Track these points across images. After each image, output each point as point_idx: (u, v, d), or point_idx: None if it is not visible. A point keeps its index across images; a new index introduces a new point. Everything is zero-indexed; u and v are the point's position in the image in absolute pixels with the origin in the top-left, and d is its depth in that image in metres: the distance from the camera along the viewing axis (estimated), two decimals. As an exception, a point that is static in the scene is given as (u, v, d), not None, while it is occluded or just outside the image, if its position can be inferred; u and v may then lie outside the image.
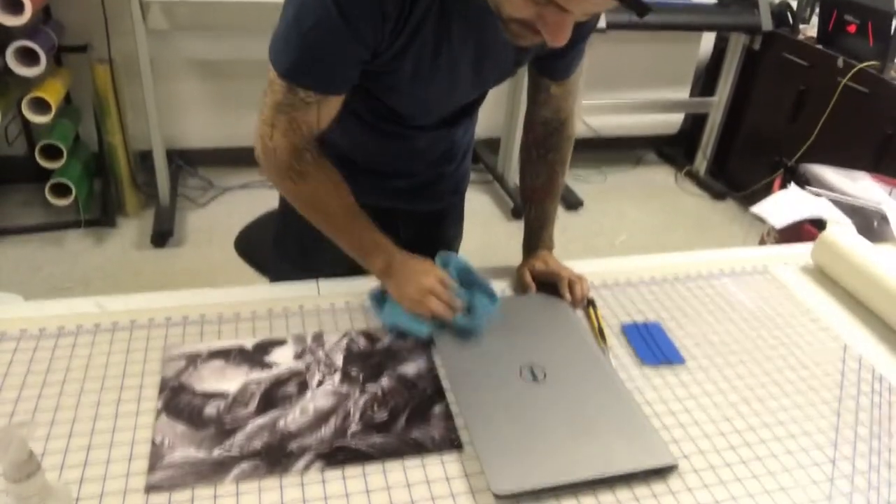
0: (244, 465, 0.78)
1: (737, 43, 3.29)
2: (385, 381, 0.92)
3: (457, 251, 1.44)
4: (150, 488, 0.74)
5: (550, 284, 1.12)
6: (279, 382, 0.90)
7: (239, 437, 0.81)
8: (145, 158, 2.88)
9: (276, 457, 0.79)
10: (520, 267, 1.17)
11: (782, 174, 2.44)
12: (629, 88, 3.50)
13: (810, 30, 3.09)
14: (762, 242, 2.17)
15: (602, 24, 2.66)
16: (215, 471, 0.77)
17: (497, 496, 0.76)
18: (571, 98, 1.12)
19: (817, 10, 3.06)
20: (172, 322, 0.99)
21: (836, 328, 1.11)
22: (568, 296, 1.09)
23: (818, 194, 1.96)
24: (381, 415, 0.86)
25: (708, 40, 3.60)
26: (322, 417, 0.85)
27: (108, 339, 0.95)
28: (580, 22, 0.78)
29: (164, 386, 0.88)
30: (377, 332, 1.01)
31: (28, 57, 2.29)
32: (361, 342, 0.98)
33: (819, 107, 2.83)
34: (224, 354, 0.94)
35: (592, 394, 0.91)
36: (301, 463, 0.78)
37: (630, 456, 0.82)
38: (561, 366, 0.95)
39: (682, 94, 3.66)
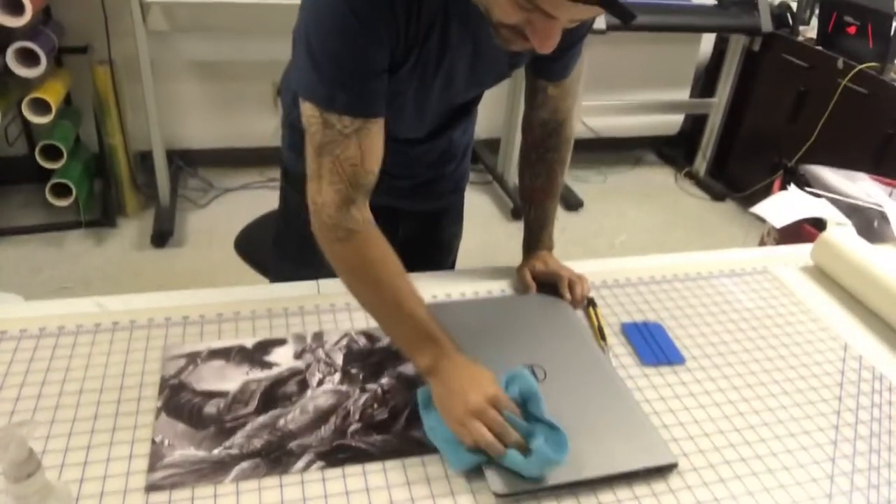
0: (244, 465, 0.78)
1: (737, 44, 3.29)
2: (385, 381, 0.92)
3: (457, 250, 1.44)
4: (150, 487, 0.74)
5: (550, 285, 1.12)
6: (279, 382, 0.90)
7: (239, 437, 0.81)
8: (145, 159, 2.88)
9: (276, 456, 0.79)
10: (520, 267, 1.17)
11: (782, 175, 2.43)
12: (629, 89, 3.50)
13: (810, 31, 3.09)
14: (762, 243, 2.17)
15: (602, 25, 2.66)
16: (215, 470, 0.77)
17: (497, 495, 0.76)
18: (569, 99, 1.11)
19: (817, 11, 3.06)
20: (172, 322, 0.99)
21: (836, 328, 1.11)
22: (568, 296, 1.09)
23: (818, 195, 1.96)
24: (382, 414, 0.86)
25: (708, 41, 3.61)
26: (322, 417, 0.85)
27: (108, 338, 0.95)
28: (571, 27, 0.78)
29: (164, 385, 0.88)
30: (377, 331, 1.01)
31: (28, 58, 2.29)
32: (361, 341, 0.98)
33: (819, 108, 2.83)
34: (224, 354, 0.94)
35: (592, 393, 0.91)
36: (301, 462, 0.78)
37: (630, 455, 0.82)
38: (561, 365, 0.95)
39: (682, 95, 3.67)
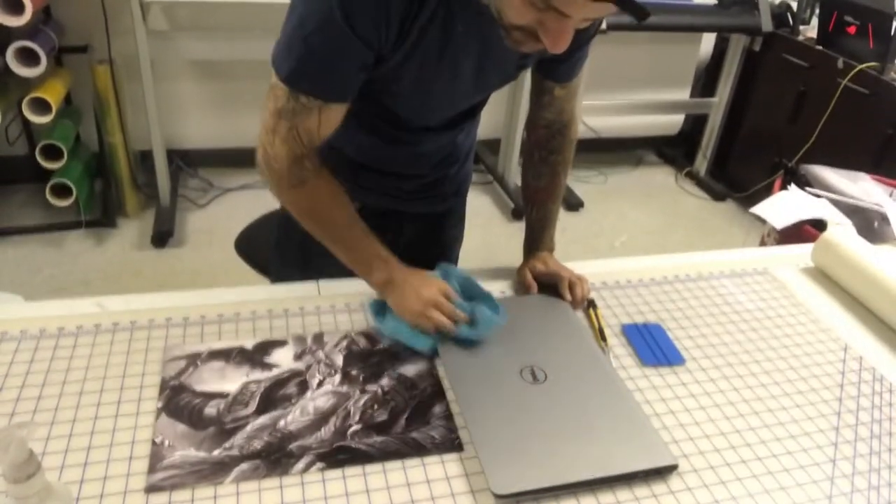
0: (244, 466, 0.78)
1: (737, 44, 3.29)
2: (385, 382, 0.92)
3: (458, 252, 1.44)
4: (151, 489, 0.74)
5: (551, 285, 1.12)
6: (279, 383, 0.90)
7: (239, 438, 0.81)
8: (145, 159, 2.89)
9: (276, 457, 0.79)
10: (520, 268, 1.17)
11: (782, 175, 2.43)
12: (630, 89, 3.50)
13: (810, 31, 3.09)
14: (762, 243, 2.17)
15: (603, 25, 2.66)
16: (215, 471, 0.77)
17: (497, 496, 0.76)
18: (574, 100, 1.12)
19: (817, 11, 3.06)
20: (173, 323, 0.99)
21: (837, 329, 1.11)
22: (568, 296, 1.09)
23: (818, 195, 1.96)
24: (382, 415, 0.86)
25: (708, 41, 3.61)
26: (322, 418, 0.85)
27: (108, 339, 0.95)
28: (582, 27, 0.78)
29: (164, 386, 0.88)
30: (378, 333, 1.00)
31: (28, 57, 2.29)
32: (362, 343, 0.98)
33: (819, 108, 2.83)
34: (224, 355, 0.94)
35: (593, 394, 0.91)
36: (301, 463, 0.78)
37: (630, 456, 0.82)
38: (561, 366, 0.95)
39: (683, 95, 3.66)
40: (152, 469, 0.76)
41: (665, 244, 3.06)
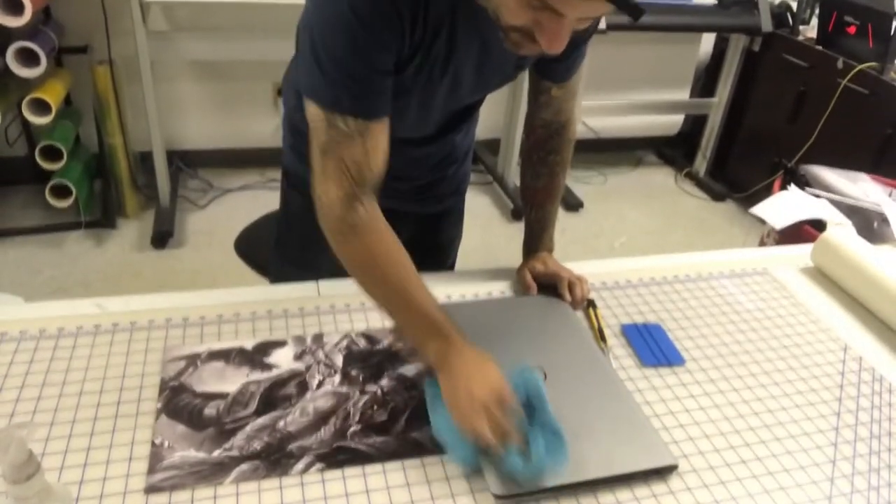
0: (244, 466, 0.78)
1: (737, 44, 3.29)
2: (385, 382, 0.92)
3: (456, 252, 1.44)
4: (150, 489, 0.74)
5: (550, 286, 1.12)
6: (279, 383, 0.90)
7: (239, 439, 0.81)
8: (145, 160, 2.88)
9: (275, 458, 0.79)
10: (520, 268, 1.17)
11: (782, 175, 2.43)
12: (629, 90, 3.50)
13: (810, 31, 3.09)
14: (762, 244, 2.17)
15: (602, 25, 2.66)
16: (215, 472, 0.77)
17: (496, 496, 0.76)
18: (572, 100, 1.12)
19: (817, 11, 3.06)
20: (172, 323, 0.99)
21: (837, 329, 1.11)
22: (568, 297, 1.09)
23: (818, 195, 1.96)
24: (381, 415, 0.86)
25: (708, 41, 3.60)
26: (322, 418, 0.85)
27: (108, 340, 0.95)
28: (579, 28, 0.78)
29: (163, 387, 0.88)
30: (377, 332, 1.01)
31: (28, 58, 2.29)
32: (361, 343, 0.98)
33: (819, 108, 2.83)
34: (224, 355, 0.94)
35: (592, 394, 0.91)
36: (301, 464, 0.78)
37: (630, 456, 0.82)
38: (561, 367, 0.95)
39: (682, 95, 3.66)
40: (152, 470, 0.76)
41: (665, 245, 3.06)
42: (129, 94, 2.77)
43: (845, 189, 1.99)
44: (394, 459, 0.80)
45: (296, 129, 1.16)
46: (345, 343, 0.98)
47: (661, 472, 0.81)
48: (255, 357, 0.94)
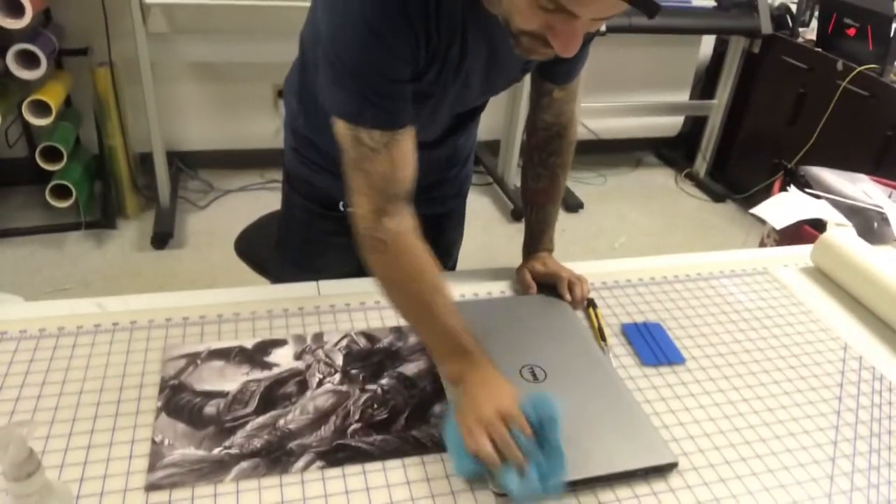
0: (244, 464, 0.78)
1: (736, 46, 3.29)
2: (385, 381, 0.92)
3: (457, 255, 1.44)
4: (151, 487, 0.74)
5: (550, 286, 1.12)
6: (279, 382, 0.90)
7: (239, 437, 0.81)
8: (145, 161, 2.88)
9: (276, 456, 0.79)
10: (519, 268, 1.17)
11: (782, 176, 2.43)
12: (629, 91, 3.50)
13: (810, 33, 3.09)
14: (762, 244, 2.17)
15: (602, 27, 2.66)
16: (215, 470, 0.77)
17: (497, 495, 0.76)
18: (573, 102, 1.12)
19: (817, 13, 3.06)
20: (172, 323, 0.99)
21: (837, 329, 1.11)
22: (568, 296, 1.10)
23: (818, 196, 1.96)
24: (381, 414, 0.86)
25: (708, 43, 3.61)
26: (322, 417, 0.85)
27: (108, 339, 0.95)
28: (591, 30, 0.78)
29: (164, 385, 0.88)
30: (377, 332, 1.01)
31: (29, 60, 2.29)
32: (362, 342, 0.98)
33: (819, 109, 2.83)
34: (224, 354, 0.94)
35: (593, 394, 0.91)
36: (301, 462, 0.78)
37: (630, 454, 0.82)
38: (561, 366, 0.95)
39: (682, 96, 3.67)
40: (152, 467, 0.76)
41: (665, 245, 3.06)
42: (130, 95, 2.77)
43: (845, 190, 1.99)
44: (394, 457, 0.80)
45: (297, 133, 1.16)
46: (345, 342, 0.98)
47: (662, 470, 0.81)
48: (256, 356, 0.94)
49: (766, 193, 2.32)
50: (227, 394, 0.87)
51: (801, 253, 1.32)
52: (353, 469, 0.78)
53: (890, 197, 1.97)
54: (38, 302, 1.04)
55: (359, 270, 1.14)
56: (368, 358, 0.96)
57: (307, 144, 1.14)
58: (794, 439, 0.88)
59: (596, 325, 1.06)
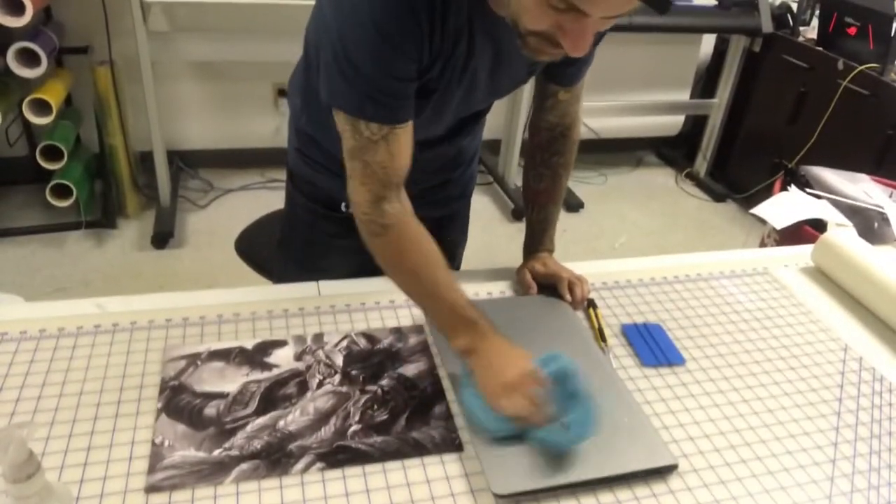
0: (244, 466, 0.78)
1: (737, 45, 3.29)
2: (385, 382, 0.92)
3: (461, 255, 1.44)
4: (151, 489, 0.74)
5: (550, 286, 1.12)
6: (279, 383, 0.90)
7: (239, 438, 0.81)
8: (146, 160, 2.88)
9: (276, 457, 0.79)
10: (519, 268, 1.17)
11: (783, 176, 2.43)
12: (630, 90, 3.50)
13: (810, 32, 3.09)
14: (762, 244, 2.17)
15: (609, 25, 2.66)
16: (215, 471, 0.77)
17: (497, 496, 0.76)
18: (577, 103, 1.12)
19: (817, 12, 3.06)
20: (173, 323, 0.99)
21: (837, 329, 1.11)
22: (568, 297, 1.10)
23: (819, 196, 1.96)
24: (382, 415, 0.86)
25: (708, 42, 3.60)
26: (322, 418, 0.85)
27: (108, 340, 0.95)
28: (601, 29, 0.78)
29: (164, 386, 0.88)
30: (377, 332, 1.01)
31: (29, 58, 2.29)
32: (362, 343, 0.98)
33: (819, 109, 2.83)
34: (224, 355, 0.94)
35: (592, 394, 0.91)
36: (301, 463, 0.78)
37: (630, 456, 0.82)
38: (561, 366, 0.95)
39: (683, 95, 3.66)
40: (152, 469, 0.76)
41: (665, 245, 3.06)
42: (130, 94, 2.77)
43: (846, 190, 1.98)
44: (394, 459, 0.80)
45: (301, 132, 1.16)
46: (345, 343, 0.98)
47: (662, 472, 0.81)
48: (256, 357, 0.94)
49: (766, 193, 2.32)
50: (228, 395, 0.87)
51: (802, 253, 1.32)
52: (353, 471, 0.78)
53: (890, 197, 1.97)
54: (38, 302, 1.04)
55: (361, 271, 1.14)
56: (368, 359, 0.96)
57: (310, 143, 1.14)
58: (794, 441, 0.88)
59: (596, 325, 1.06)
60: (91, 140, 2.84)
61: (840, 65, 2.75)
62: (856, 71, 2.66)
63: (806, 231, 1.89)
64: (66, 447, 0.78)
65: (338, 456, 0.80)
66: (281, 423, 0.84)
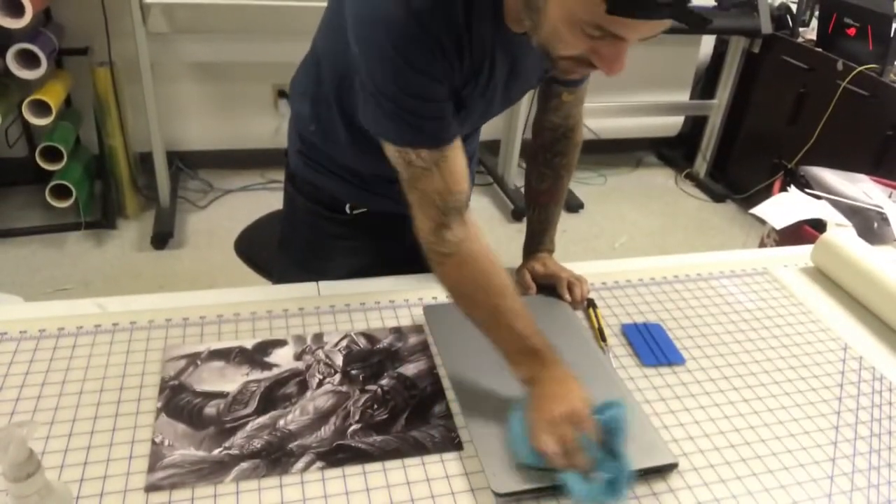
0: (244, 465, 0.78)
1: (737, 46, 3.29)
2: (385, 381, 0.92)
3: None
4: (150, 488, 0.74)
5: (550, 286, 1.12)
6: (279, 382, 0.90)
7: (239, 437, 0.81)
8: (145, 161, 2.88)
9: (276, 456, 0.79)
10: (519, 268, 1.17)
11: (782, 176, 2.43)
12: (629, 91, 3.50)
13: (810, 33, 3.09)
14: (762, 244, 2.17)
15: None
16: (215, 470, 0.77)
17: (497, 495, 0.76)
18: (580, 105, 1.12)
19: (817, 13, 3.06)
20: (172, 323, 0.99)
21: (837, 329, 1.11)
22: (567, 297, 1.10)
23: (818, 196, 1.96)
24: (381, 415, 0.86)
25: (708, 43, 3.61)
26: (322, 417, 0.85)
27: (108, 339, 0.95)
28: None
29: (164, 386, 0.88)
30: (377, 332, 1.01)
31: (29, 59, 2.29)
32: (362, 342, 0.98)
33: (819, 109, 2.83)
34: (224, 355, 0.94)
35: (593, 394, 0.90)
36: (301, 462, 0.78)
37: (630, 455, 0.81)
38: (561, 366, 0.95)
39: (682, 96, 3.67)
40: (152, 468, 0.76)
41: (665, 245, 3.06)
42: (130, 95, 2.77)
43: (845, 190, 1.99)
44: (394, 458, 0.80)
45: (302, 137, 1.15)
46: (345, 343, 0.98)
47: (662, 471, 0.81)
48: (256, 356, 0.94)
49: (766, 193, 2.32)
50: (227, 394, 0.87)
51: (801, 253, 1.32)
52: (353, 470, 0.78)
53: (890, 197, 1.97)
54: (38, 302, 1.04)
55: (362, 272, 1.14)
56: (368, 358, 0.96)
57: (315, 148, 1.14)
58: (794, 440, 0.88)
59: (596, 325, 1.06)
60: (91, 141, 2.84)
61: (839, 65, 2.76)
62: (855, 71, 2.66)
63: (806, 231, 1.89)
64: (66, 446, 0.78)
65: (338, 455, 0.80)
66: (281, 422, 0.84)
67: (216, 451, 0.79)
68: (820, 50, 2.91)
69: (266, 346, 0.96)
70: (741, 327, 1.09)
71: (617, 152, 3.79)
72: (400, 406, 0.88)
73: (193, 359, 0.92)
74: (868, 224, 1.85)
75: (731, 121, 3.47)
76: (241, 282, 1.18)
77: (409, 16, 0.78)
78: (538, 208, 1.18)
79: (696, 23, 0.69)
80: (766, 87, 3.25)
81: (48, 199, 2.54)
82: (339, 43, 0.92)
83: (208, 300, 1.05)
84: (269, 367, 0.92)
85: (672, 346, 1.03)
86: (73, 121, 2.72)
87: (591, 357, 0.98)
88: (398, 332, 1.01)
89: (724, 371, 0.99)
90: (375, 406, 0.87)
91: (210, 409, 0.85)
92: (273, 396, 0.88)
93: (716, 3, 2.98)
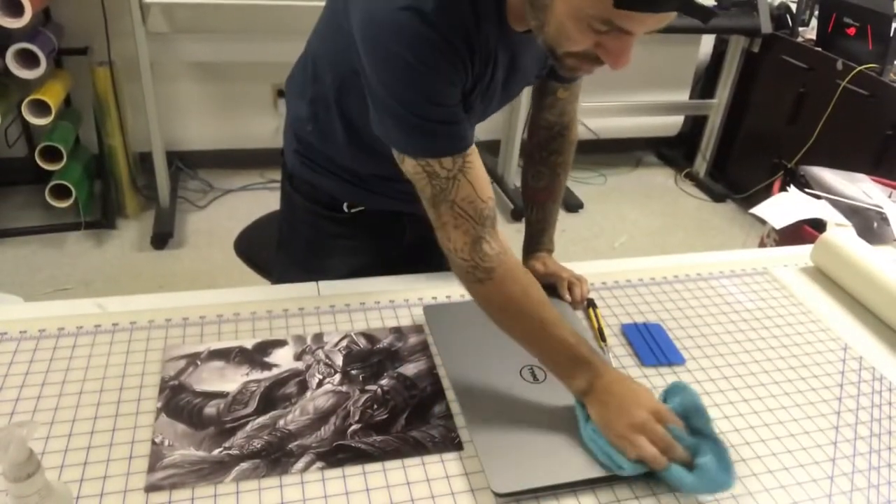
0: (244, 465, 0.78)
1: (736, 45, 3.29)
2: (385, 381, 0.92)
3: None
4: (150, 488, 0.74)
5: (550, 286, 1.12)
6: (279, 383, 0.90)
7: (239, 437, 0.81)
8: (145, 160, 2.89)
9: (276, 456, 0.79)
10: (519, 268, 1.17)
11: (782, 176, 2.43)
12: (629, 91, 3.50)
13: (809, 32, 3.09)
14: (762, 244, 2.17)
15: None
16: (215, 470, 0.77)
17: (497, 495, 0.76)
18: (575, 102, 1.12)
19: (816, 12, 3.06)
20: (172, 323, 0.99)
21: (837, 329, 1.11)
22: (567, 297, 1.10)
23: (818, 196, 1.96)
24: (381, 415, 0.86)
25: (707, 43, 3.61)
26: (322, 417, 0.85)
27: (108, 339, 0.95)
28: None
29: (163, 386, 0.88)
30: (377, 332, 1.01)
31: (28, 59, 2.29)
32: (361, 342, 0.98)
33: (818, 109, 2.83)
34: (224, 355, 0.94)
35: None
36: (301, 463, 0.78)
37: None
38: (561, 366, 0.95)
39: (682, 96, 3.67)
40: (152, 468, 0.76)
41: (665, 245, 3.06)
42: (129, 95, 2.77)
43: (845, 190, 1.99)
44: (394, 458, 0.80)
45: (302, 137, 1.15)
46: (345, 343, 0.98)
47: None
48: (256, 356, 0.94)
49: (766, 193, 2.32)
50: (227, 394, 0.87)
51: (801, 253, 1.32)
52: (352, 470, 0.78)
53: (890, 197, 1.97)
54: (38, 302, 1.04)
55: (362, 271, 1.14)
56: (368, 358, 0.96)
57: (312, 148, 1.14)
58: (794, 440, 0.88)
59: (596, 325, 1.06)
60: (90, 141, 2.84)
61: (839, 65, 2.76)
62: (855, 71, 2.66)
63: (805, 231, 1.89)
64: (66, 446, 0.78)
65: (338, 455, 0.80)
66: (281, 422, 0.84)
67: (216, 452, 0.79)
68: (820, 49, 2.91)
69: (266, 346, 0.96)
70: (741, 327, 1.09)
71: (617, 152, 3.79)
72: (400, 406, 0.88)
73: (193, 359, 0.92)
74: (868, 224, 1.85)
75: (730, 120, 3.47)
76: (241, 282, 1.18)
77: (419, 17, 0.77)
78: (536, 207, 1.18)
79: (702, 15, 0.69)
80: (766, 87, 3.25)
81: (48, 198, 2.54)
82: (339, 44, 0.91)
83: (208, 300, 1.05)
84: (269, 367, 0.92)
85: (672, 346, 1.03)
86: (72, 120, 2.72)
87: (591, 357, 0.98)
88: (398, 332, 1.01)
89: (724, 371, 0.99)
90: (375, 406, 0.87)
91: (210, 410, 0.85)
92: (273, 396, 0.88)
93: (716, 3, 2.98)
